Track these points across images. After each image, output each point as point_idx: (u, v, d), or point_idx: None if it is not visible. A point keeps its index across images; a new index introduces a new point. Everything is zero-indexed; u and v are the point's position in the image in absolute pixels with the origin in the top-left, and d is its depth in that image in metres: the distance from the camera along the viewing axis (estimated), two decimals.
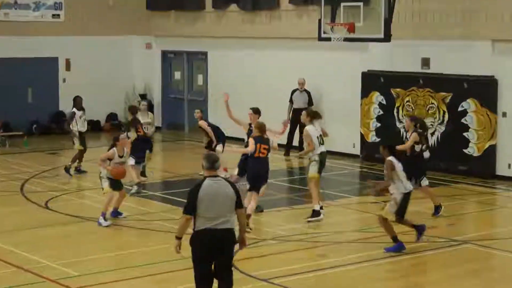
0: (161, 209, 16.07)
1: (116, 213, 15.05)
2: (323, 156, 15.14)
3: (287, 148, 22.90)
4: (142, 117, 18.96)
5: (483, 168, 19.26)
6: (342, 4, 19.66)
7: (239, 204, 9.41)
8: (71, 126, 19.86)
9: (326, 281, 11.55)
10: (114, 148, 14.78)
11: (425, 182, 15.42)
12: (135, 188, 17.05)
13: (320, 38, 20.06)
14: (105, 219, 14.50)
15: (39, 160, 21.85)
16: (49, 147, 24.21)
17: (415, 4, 20.28)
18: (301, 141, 22.90)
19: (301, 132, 22.83)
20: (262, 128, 14.53)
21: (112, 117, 27.86)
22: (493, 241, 13.80)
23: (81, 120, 19.88)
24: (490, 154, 19.17)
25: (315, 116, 15.47)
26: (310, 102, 22.63)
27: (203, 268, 9.42)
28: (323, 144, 15.14)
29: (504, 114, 18.99)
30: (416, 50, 20.47)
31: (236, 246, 9.60)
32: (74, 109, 20.01)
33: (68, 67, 27.03)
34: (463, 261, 12.57)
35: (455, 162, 19.61)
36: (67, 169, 19.39)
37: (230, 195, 9.30)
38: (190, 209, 9.26)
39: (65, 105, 26.90)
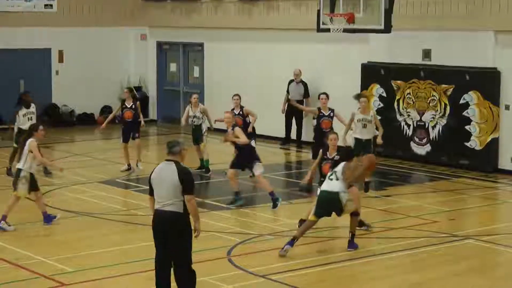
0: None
1: (49, 218, 14.26)
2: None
3: (285, 141, 22.96)
4: (194, 110, 19.23)
5: (485, 162, 19.31)
6: None
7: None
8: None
9: (325, 277, 11.58)
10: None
11: None
12: None
13: (319, 29, 20.07)
14: (8, 224, 13.89)
15: None
16: (42, 140, 24.12)
17: None
18: (299, 134, 22.99)
19: (297, 125, 22.91)
20: None
21: (106, 110, 27.83)
22: (495, 236, 13.84)
23: (24, 118, 18.89)
24: (492, 147, 19.21)
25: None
26: (306, 93, 22.68)
27: (156, 253, 10.01)
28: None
29: (507, 107, 19.03)
30: (417, 42, 20.50)
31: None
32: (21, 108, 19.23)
33: (61, 58, 27.01)
34: (465, 257, 12.62)
35: (457, 156, 19.65)
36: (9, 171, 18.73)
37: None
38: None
39: (58, 98, 26.95)
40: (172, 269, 9.98)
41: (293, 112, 22.55)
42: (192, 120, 19.25)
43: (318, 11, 20.03)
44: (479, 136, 19.39)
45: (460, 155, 19.62)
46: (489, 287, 11.35)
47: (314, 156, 15.79)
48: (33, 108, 18.93)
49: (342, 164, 12.79)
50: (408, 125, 20.63)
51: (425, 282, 11.58)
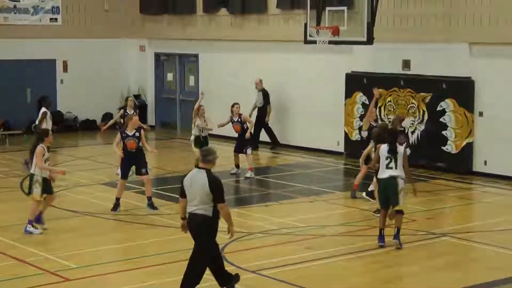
0: (155, 204, 16.04)
1: (39, 219, 13.84)
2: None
3: (256, 144, 23.06)
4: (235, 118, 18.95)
5: (461, 165, 19.35)
6: (327, 8, 19.72)
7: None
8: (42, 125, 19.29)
9: (313, 272, 11.60)
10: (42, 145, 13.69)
11: None
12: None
13: (306, 41, 20.10)
14: (34, 227, 13.61)
15: None
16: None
17: (396, 9, 20.35)
18: (272, 136, 23.00)
19: (267, 130, 22.94)
20: None
21: (107, 116, 27.80)
22: (470, 234, 13.87)
23: (49, 119, 19.35)
24: (467, 151, 19.25)
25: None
26: (266, 101, 22.80)
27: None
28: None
29: (480, 114, 19.08)
30: (398, 53, 20.54)
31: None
32: (44, 109, 19.51)
33: (65, 68, 27.00)
34: (442, 253, 12.64)
35: (434, 159, 19.69)
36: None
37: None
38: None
39: (63, 105, 26.91)
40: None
41: (257, 118, 22.60)
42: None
43: (305, 24, 20.05)
44: (455, 140, 19.43)
45: (438, 158, 19.66)
46: (464, 280, 11.38)
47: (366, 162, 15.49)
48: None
49: (401, 150, 12.66)
50: None
51: (405, 276, 11.62)
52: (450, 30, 19.35)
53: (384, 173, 12.76)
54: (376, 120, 16.80)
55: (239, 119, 18.70)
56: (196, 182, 9.94)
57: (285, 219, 14.66)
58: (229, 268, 11.51)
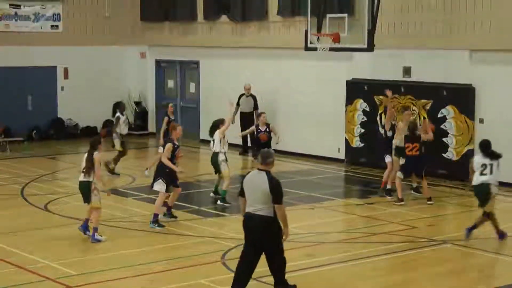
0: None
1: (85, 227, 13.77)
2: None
3: (244, 148, 23.06)
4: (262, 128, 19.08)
5: (462, 172, 19.30)
6: (328, 15, 19.75)
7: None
8: (117, 129, 19.93)
9: (314, 279, 11.59)
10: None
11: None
12: None
13: (307, 48, 20.12)
14: (99, 234, 13.63)
15: (39, 164, 21.81)
16: (48, 152, 24.18)
17: (397, 16, 20.37)
18: (253, 141, 23.00)
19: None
20: None
21: (108, 123, 27.81)
22: (471, 241, 13.83)
23: (123, 124, 19.96)
24: (468, 158, 19.18)
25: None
26: (255, 106, 22.85)
27: (244, 247, 10.53)
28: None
29: (481, 121, 19.08)
30: (398, 59, 20.55)
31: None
32: (118, 114, 20.06)
33: (66, 75, 27.01)
34: (443, 260, 12.64)
35: (435, 166, 19.68)
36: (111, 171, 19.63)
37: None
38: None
39: (64, 112, 26.93)
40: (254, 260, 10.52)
41: (245, 124, 22.59)
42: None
43: (306, 31, 20.08)
44: (455, 147, 19.43)
45: (438, 165, 19.65)
46: (465, 287, 11.39)
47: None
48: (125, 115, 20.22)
49: (498, 160, 13.64)
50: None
51: (406, 283, 11.61)
52: (451, 37, 19.37)
53: (477, 181, 13.68)
54: (395, 119, 17.84)
55: (267, 129, 18.97)
56: (256, 183, 10.23)
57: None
58: (230, 275, 11.52)
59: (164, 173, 14.70)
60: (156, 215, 14.58)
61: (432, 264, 12.38)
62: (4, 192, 17.89)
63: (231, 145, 17.64)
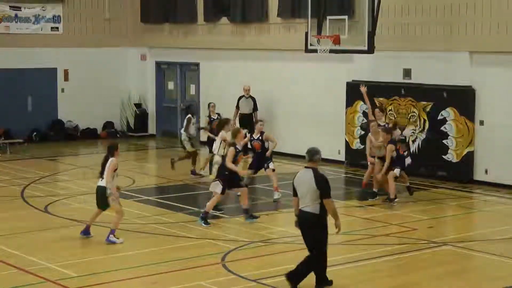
0: (155, 212, 16.08)
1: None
2: None
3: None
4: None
5: (462, 174, 19.35)
6: (328, 17, 19.76)
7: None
8: (188, 130, 19.81)
9: (313, 282, 11.56)
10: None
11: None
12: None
13: (307, 50, 20.13)
14: (115, 237, 13.54)
15: (39, 166, 21.82)
16: (48, 153, 24.18)
17: (397, 18, 20.38)
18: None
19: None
20: None
21: (108, 125, 27.85)
22: (471, 242, 13.85)
23: (192, 125, 19.97)
24: (468, 160, 19.25)
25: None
26: (255, 107, 22.82)
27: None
28: None
29: (481, 123, 19.08)
30: (398, 61, 20.56)
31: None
32: (190, 115, 20.02)
33: (66, 77, 27.03)
34: (443, 262, 12.63)
35: (435, 168, 19.69)
36: (193, 172, 19.69)
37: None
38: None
39: (64, 114, 26.94)
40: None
41: (244, 125, 22.58)
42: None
43: (306, 33, 20.08)
44: (455, 149, 19.43)
45: (438, 167, 19.65)
46: None
47: None
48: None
49: None
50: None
51: (406, 285, 11.59)
52: (451, 39, 19.38)
53: None
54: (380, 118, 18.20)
55: (260, 137, 17.52)
56: (304, 180, 10.65)
57: (286, 228, 14.63)
58: (229, 277, 11.53)
59: (223, 175, 14.84)
60: (206, 213, 14.82)
61: (432, 266, 12.37)
62: (4, 194, 17.89)
63: None
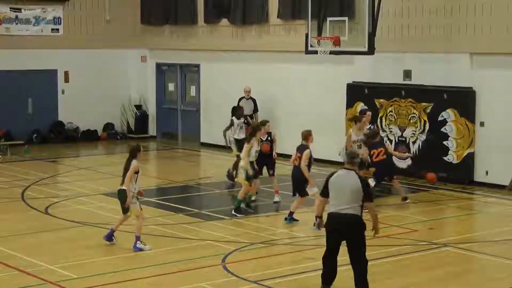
0: (156, 214, 16.08)
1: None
2: None
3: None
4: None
5: (462, 175, 19.35)
6: (328, 19, 19.75)
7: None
8: (230, 132, 19.37)
9: (314, 283, 11.57)
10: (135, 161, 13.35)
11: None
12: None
13: (307, 52, 20.11)
14: (142, 243, 13.25)
15: (39, 168, 21.82)
16: (48, 155, 24.19)
17: (397, 19, 20.38)
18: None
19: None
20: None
21: (108, 127, 27.84)
22: (471, 244, 13.86)
23: (238, 128, 19.45)
24: (468, 161, 19.25)
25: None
26: (255, 109, 22.77)
27: (328, 242, 10.72)
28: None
29: (481, 124, 19.08)
30: (399, 63, 20.56)
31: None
32: (233, 118, 19.61)
33: (66, 79, 27.02)
34: (443, 264, 12.63)
35: (436, 169, 19.68)
36: (230, 176, 19.31)
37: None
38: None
39: (64, 115, 26.94)
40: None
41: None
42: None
43: (306, 34, 20.08)
44: (456, 150, 19.43)
45: (439, 168, 19.65)
46: None
47: None
48: (242, 119, 19.71)
49: None
50: (390, 141, 20.66)
51: (407, 286, 11.59)
52: (451, 40, 19.38)
53: None
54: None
55: (269, 138, 17.23)
56: (346, 182, 10.44)
57: (286, 229, 14.65)
58: (230, 278, 11.53)
59: (304, 179, 14.90)
60: (292, 213, 15.09)
61: (433, 268, 12.37)
62: (5, 196, 17.90)
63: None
